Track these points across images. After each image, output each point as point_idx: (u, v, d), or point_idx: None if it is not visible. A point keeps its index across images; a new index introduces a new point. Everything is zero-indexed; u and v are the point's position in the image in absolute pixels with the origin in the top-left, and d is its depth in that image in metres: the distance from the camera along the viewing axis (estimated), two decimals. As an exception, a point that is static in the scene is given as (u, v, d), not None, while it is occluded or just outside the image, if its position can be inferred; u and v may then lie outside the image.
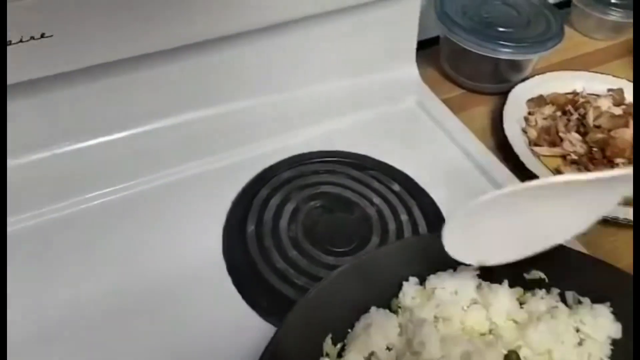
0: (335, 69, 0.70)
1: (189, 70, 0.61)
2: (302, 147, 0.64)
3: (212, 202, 0.58)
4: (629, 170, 0.36)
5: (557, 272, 0.45)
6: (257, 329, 0.49)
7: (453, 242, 0.41)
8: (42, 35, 0.49)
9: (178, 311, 0.51)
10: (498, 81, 0.76)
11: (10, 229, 0.54)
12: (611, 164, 0.65)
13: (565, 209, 0.40)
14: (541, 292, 0.45)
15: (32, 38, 0.49)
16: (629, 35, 0.88)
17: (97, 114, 0.59)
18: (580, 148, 0.67)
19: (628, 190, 0.37)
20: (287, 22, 0.62)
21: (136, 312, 0.50)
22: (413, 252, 0.45)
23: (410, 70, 0.73)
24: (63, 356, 0.47)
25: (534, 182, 0.39)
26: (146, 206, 0.58)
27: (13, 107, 0.53)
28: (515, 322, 0.43)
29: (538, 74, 0.76)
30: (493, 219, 0.40)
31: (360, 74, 0.71)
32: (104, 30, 0.51)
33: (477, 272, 0.45)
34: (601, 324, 0.42)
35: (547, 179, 0.39)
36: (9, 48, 0.47)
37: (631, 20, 0.86)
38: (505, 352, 0.41)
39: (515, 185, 0.40)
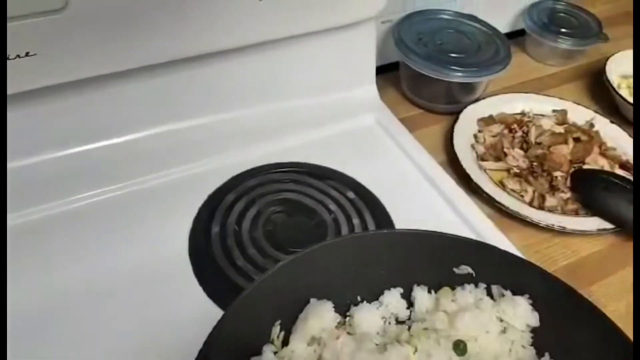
0: (299, 88, 0.76)
1: (163, 86, 0.67)
2: (266, 158, 0.69)
3: (180, 207, 0.63)
4: None
5: (483, 268, 0.50)
6: (217, 319, 0.54)
7: None
8: (27, 54, 0.55)
9: (146, 301, 0.55)
10: (451, 102, 0.82)
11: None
12: (550, 177, 0.71)
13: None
14: (469, 287, 0.49)
15: (18, 56, 0.54)
16: (580, 60, 0.96)
17: (78, 124, 0.65)
18: (523, 162, 0.73)
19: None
20: (256, 44, 0.68)
21: (107, 303, 0.55)
22: (351, 248, 0.49)
23: (369, 90, 0.79)
24: (39, 338, 0.52)
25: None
26: (118, 210, 0.62)
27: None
28: (446, 312, 0.48)
29: (490, 96, 0.83)
30: None
31: (323, 93, 0.77)
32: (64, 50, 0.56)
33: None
34: (520, 314, 0.47)
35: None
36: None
37: (580, 48, 0.93)
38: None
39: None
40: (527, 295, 0.48)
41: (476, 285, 0.50)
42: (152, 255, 0.59)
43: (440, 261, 0.50)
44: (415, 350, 0.46)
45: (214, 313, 0.55)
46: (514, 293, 0.49)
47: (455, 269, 0.50)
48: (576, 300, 0.46)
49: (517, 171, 0.73)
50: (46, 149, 0.64)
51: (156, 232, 0.61)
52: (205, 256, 0.59)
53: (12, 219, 0.59)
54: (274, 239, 0.61)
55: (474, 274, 0.50)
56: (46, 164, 0.64)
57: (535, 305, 0.48)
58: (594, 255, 0.67)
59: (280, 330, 0.46)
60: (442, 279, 0.50)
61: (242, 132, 0.71)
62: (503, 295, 0.49)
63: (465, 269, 0.50)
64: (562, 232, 0.67)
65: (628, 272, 0.66)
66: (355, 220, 0.64)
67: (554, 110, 0.81)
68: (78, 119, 0.65)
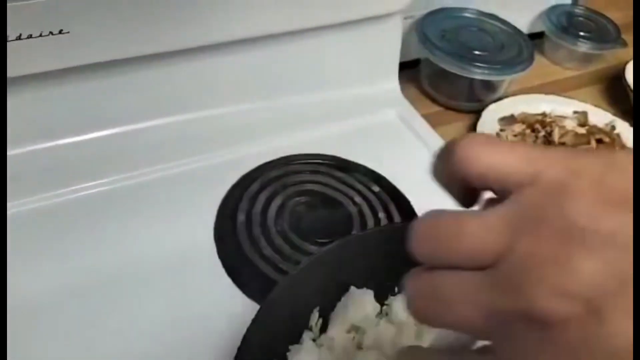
0: (322, 80, 0.75)
1: (189, 75, 0.66)
2: (291, 149, 0.68)
3: (205, 195, 0.62)
4: None
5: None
6: (245, 309, 0.52)
7: None
8: (60, 32, 0.54)
9: (171, 292, 0.54)
10: (473, 100, 0.82)
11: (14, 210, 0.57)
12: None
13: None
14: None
15: (35, 35, 0.53)
16: (597, 65, 0.96)
17: (100, 108, 0.64)
18: (546, 162, 0.73)
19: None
20: (280, 34, 0.68)
21: (132, 293, 0.53)
22: (392, 238, 0.49)
23: (392, 84, 0.79)
24: (65, 328, 0.50)
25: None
26: (144, 196, 0.61)
27: None
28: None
29: (510, 96, 0.83)
30: None
31: (346, 86, 0.76)
32: (96, 30, 0.55)
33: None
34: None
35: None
36: None
37: (598, 52, 0.93)
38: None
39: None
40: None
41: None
42: (177, 243, 0.57)
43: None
44: None
45: (241, 301, 0.54)
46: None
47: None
48: None
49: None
50: (59, 135, 0.63)
51: (181, 219, 0.59)
52: (232, 244, 0.58)
53: (23, 205, 0.58)
54: (299, 230, 0.60)
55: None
56: (58, 150, 0.63)
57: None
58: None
59: (319, 317, 0.46)
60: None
61: (266, 123, 0.70)
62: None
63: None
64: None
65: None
66: (381, 214, 0.63)
67: (574, 112, 0.81)
68: (99, 104, 0.64)
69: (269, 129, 0.70)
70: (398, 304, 0.47)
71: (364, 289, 0.47)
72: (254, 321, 0.41)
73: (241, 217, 0.60)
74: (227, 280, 0.55)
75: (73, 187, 0.60)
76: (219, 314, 0.52)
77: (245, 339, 0.39)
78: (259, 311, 0.42)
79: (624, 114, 0.85)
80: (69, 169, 0.62)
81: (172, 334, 0.51)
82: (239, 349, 0.39)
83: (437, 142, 0.74)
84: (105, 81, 0.62)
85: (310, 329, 0.45)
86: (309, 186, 0.65)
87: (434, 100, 0.84)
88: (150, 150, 0.65)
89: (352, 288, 0.47)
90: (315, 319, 0.45)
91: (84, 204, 0.60)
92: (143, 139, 0.65)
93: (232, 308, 0.53)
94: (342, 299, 0.47)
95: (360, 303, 0.46)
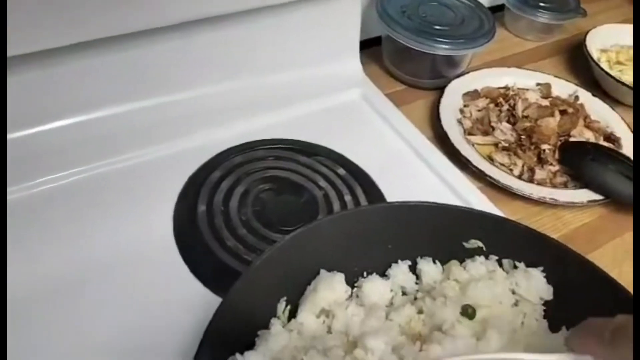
0: (282, 61, 0.72)
1: (141, 59, 0.62)
2: (252, 135, 0.66)
3: (164, 186, 0.59)
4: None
5: (493, 241, 0.48)
6: (207, 302, 0.50)
7: None
8: None
9: (130, 284, 0.51)
10: (436, 77, 0.80)
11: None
12: (538, 150, 0.70)
13: None
14: (480, 259, 0.48)
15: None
16: (558, 36, 0.96)
17: (48, 99, 0.59)
18: (511, 136, 0.72)
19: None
20: (234, 14, 0.64)
21: (91, 287, 0.50)
22: (359, 221, 0.47)
23: (354, 64, 0.76)
24: (18, 324, 0.47)
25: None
26: (99, 190, 0.58)
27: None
28: (457, 281, 0.46)
29: (473, 71, 0.81)
30: None
31: (306, 66, 0.73)
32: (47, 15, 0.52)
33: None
34: (534, 286, 0.46)
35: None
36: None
37: (558, 23, 0.93)
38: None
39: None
40: (541, 268, 0.47)
41: (487, 258, 0.48)
42: (135, 237, 0.54)
43: (450, 234, 0.48)
44: (420, 312, 0.45)
45: (203, 294, 0.52)
46: (527, 265, 0.47)
47: (464, 243, 0.48)
48: (590, 270, 0.45)
49: (506, 145, 0.71)
50: (17, 127, 0.59)
51: (138, 212, 0.57)
52: (192, 237, 0.55)
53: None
54: (264, 218, 0.58)
55: (484, 248, 0.48)
56: (16, 143, 0.58)
57: (548, 278, 0.46)
58: (584, 227, 0.67)
59: (286, 306, 0.44)
60: (450, 253, 0.48)
61: (225, 109, 0.67)
62: (516, 267, 0.47)
63: (475, 243, 0.48)
64: (553, 204, 0.66)
65: (618, 243, 0.65)
66: (347, 197, 0.61)
67: (537, 84, 0.80)
68: (51, 94, 0.59)
69: (228, 114, 0.67)
70: (368, 286, 0.46)
71: (334, 272, 0.45)
72: (219, 308, 0.39)
73: (201, 207, 0.58)
74: (189, 274, 0.52)
75: (28, 183, 0.57)
76: (181, 307, 0.50)
77: (210, 325, 0.37)
78: (225, 297, 0.40)
79: (587, 84, 0.84)
80: (21, 164, 0.57)
81: (134, 326, 0.48)
82: (201, 343, 0.37)
83: (401, 121, 0.72)
84: (49, 71, 0.58)
85: (278, 318, 0.43)
86: (273, 172, 0.62)
87: (396, 79, 0.82)
88: (102, 142, 0.61)
89: (322, 271, 0.45)
90: (282, 308, 0.43)
91: (38, 200, 0.56)
92: (93, 130, 0.61)
93: (194, 301, 0.50)
94: (312, 282, 0.45)
95: (330, 286, 0.44)
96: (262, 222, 0.57)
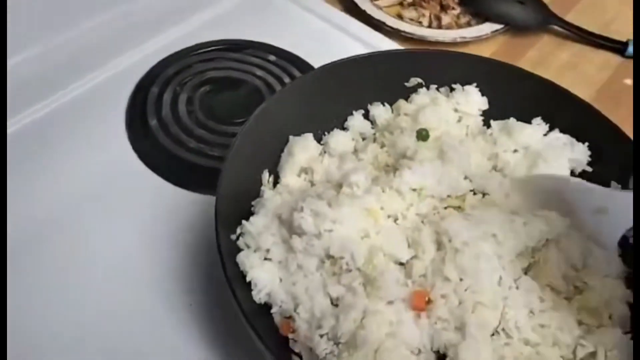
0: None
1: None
2: (177, 44, 0.67)
3: (108, 112, 0.60)
4: None
5: (429, 74, 0.53)
6: (194, 203, 0.54)
7: None
8: None
9: (113, 210, 0.53)
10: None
11: None
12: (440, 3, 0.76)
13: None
14: (422, 90, 0.53)
15: None
16: None
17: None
18: (412, -8, 0.77)
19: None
20: None
21: (67, 224, 0.52)
22: (309, 85, 0.51)
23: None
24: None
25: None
26: (47, 132, 0.58)
27: None
28: (407, 114, 0.52)
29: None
30: None
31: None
32: None
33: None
34: (472, 100, 0.52)
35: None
36: None
37: None
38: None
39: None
40: (475, 84, 0.53)
41: (427, 89, 0.54)
42: (98, 166, 0.56)
43: (391, 79, 0.53)
44: (383, 146, 0.50)
45: (188, 199, 0.54)
46: (462, 85, 0.53)
47: (405, 84, 0.54)
48: (509, 70, 0.52)
49: (410, 0, 0.76)
50: None
51: (93, 143, 0.57)
52: (155, 150, 0.57)
53: None
54: (215, 116, 0.60)
55: (423, 83, 0.54)
56: None
57: (482, 91, 0.53)
58: (493, 55, 0.74)
59: (270, 175, 0.48)
60: (395, 95, 0.54)
61: (145, 23, 0.67)
62: (453, 89, 0.53)
63: (415, 80, 0.54)
64: (463, 42, 0.73)
65: (521, 63, 0.73)
66: (287, 79, 0.64)
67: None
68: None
69: (150, 28, 0.67)
70: (334, 140, 0.51)
71: (303, 135, 0.49)
72: (218, 191, 0.42)
73: (152, 122, 0.59)
74: (167, 184, 0.55)
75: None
76: (169, 218, 0.53)
77: (217, 204, 0.41)
78: (220, 178, 0.43)
79: None
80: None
81: (131, 245, 0.51)
82: (216, 225, 0.40)
83: (314, 2, 0.74)
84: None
85: (265, 185, 0.48)
86: (209, 74, 0.64)
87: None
88: (37, 83, 0.60)
89: (291, 137, 0.49)
90: (266, 177, 0.48)
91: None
92: (26, 72, 0.60)
93: (181, 208, 0.53)
94: (285, 149, 0.49)
95: (304, 146, 0.48)
96: (215, 120, 0.60)
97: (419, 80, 0.54)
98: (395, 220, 0.44)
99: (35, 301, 0.47)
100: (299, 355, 0.40)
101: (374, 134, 0.53)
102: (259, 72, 0.65)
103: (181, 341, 0.46)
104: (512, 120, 0.51)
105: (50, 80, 0.60)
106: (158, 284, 0.48)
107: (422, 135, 0.50)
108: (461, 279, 0.39)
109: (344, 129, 0.53)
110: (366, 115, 0.53)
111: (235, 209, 0.44)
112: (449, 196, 0.46)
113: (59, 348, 0.45)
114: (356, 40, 0.70)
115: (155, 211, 0.53)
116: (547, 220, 0.43)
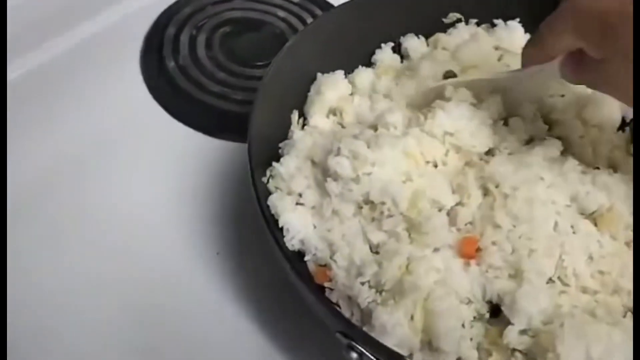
0: None
1: None
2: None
3: (123, 53, 0.56)
4: None
5: (469, 8, 0.50)
6: (216, 149, 0.51)
7: None
8: None
9: (134, 154, 0.50)
10: None
11: None
12: None
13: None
14: (461, 25, 0.49)
15: None
16: None
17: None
18: None
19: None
20: None
21: (88, 165, 0.49)
22: (334, 21, 0.47)
23: None
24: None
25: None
26: (58, 74, 0.54)
27: None
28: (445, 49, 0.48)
29: None
30: None
31: None
32: None
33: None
34: (515, 37, 0.48)
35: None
36: None
37: None
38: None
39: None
40: (518, 19, 0.49)
41: (466, 24, 0.50)
42: (115, 110, 0.52)
43: (428, 14, 0.49)
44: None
45: (210, 142, 0.51)
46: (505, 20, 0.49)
47: (443, 19, 0.50)
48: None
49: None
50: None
51: (108, 85, 0.54)
52: (175, 95, 0.54)
53: None
54: (236, 59, 0.57)
55: (462, 18, 0.50)
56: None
57: (525, 27, 0.49)
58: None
59: (299, 117, 0.45)
60: (431, 30, 0.50)
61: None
62: (494, 25, 0.49)
63: (454, 16, 0.50)
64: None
65: None
66: (310, 20, 0.60)
67: None
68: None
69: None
70: (360, 77, 0.47)
71: (332, 72, 0.46)
72: (249, 136, 0.39)
73: (170, 64, 0.55)
74: (189, 130, 0.52)
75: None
76: (193, 165, 0.50)
77: (249, 149, 0.38)
78: (250, 121, 0.39)
79: None
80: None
81: (145, 200, 0.48)
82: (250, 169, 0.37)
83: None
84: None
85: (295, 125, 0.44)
86: (228, 14, 0.60)
87: None
88: (50, 21, 0.56)
89: (319, 75, 0.46)
90: (296, 118, 0.44)
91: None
92: (38, 11, 0.56)
93: (205, 153, 0.50)
94: (312, 88, 0.45)
95: (333, 85, 0.45)
96: (237, 62, 0.56)
97: (458, 15, 0.50)
98: (435, 166, 0.41)
99: (49, 253, 0.44)
100: (336, 304, 0.37)
101: (405, 69, 0.49)
102: (281, 13, 0.61)
103: (207, 291, 0.43)
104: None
105: (62, 19, 0.57)
106: (181, 233, 0.46)
107: (450, 77, 0.46)
108: (514, 226, 0.36)
109: (371, 64, 0.49)
110: (395, 50, 0.49)
111: (266, 153, 0.41)
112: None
113: (75, 304, 0.42)
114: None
115: (175, 158, 0.50)
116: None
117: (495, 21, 0.49)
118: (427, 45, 0.50)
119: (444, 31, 0.49)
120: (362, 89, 0.47)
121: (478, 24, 0.50)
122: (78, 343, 0.40)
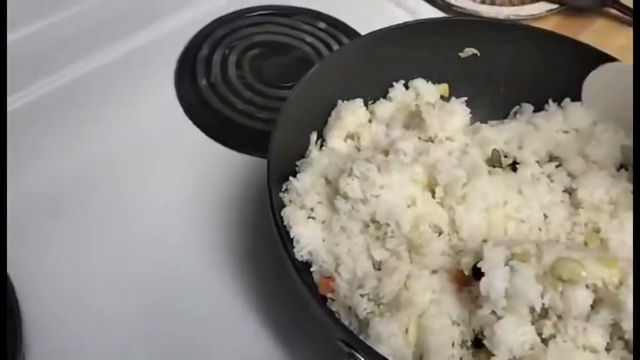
0: None
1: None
2: (227, 7, 0.67)
3: (157, 71, 0.61)
4: None
5: (485, 45, 0.52)
6: (239, 163, 0.54)
7: None
8: None
9: (160, 166, 0.54)
10: None
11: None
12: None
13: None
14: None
15: None
16: None
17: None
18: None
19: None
20: None
21: (116, 173, 0.53)
22: (359, 51, 0.50)
23: None
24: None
25: None
26: (96, 87, 0.59)
27: None
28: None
29: None
30: None
31: None
32: None
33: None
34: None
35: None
36: None
37: None
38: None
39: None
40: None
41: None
42: (148, 122, 0.56)
43: (443, 48, 0.52)
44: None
45: (241, 160, 0.55)
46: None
47: (459, 54, 0.53)
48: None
49: (464, -25, 0.75)
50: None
51: (143, 100, 0.58)
52: (205, 110, 0.58)
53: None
54: (264, 80, 0.61)
55: (478, 54, 0.53)
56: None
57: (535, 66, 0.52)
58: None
59: (318, 138, 0.48)
60: (448, 65, 0.53)
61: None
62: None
63: (470, 51, 0.53)
64: (516, 19, 0.71)
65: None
66: (336, 47, 0.64)
67: None
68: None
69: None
70: (381, 108, 0.50)
71: (352, 100, 0.49)
72: (270, 151, 0.42)
73: (202, 82, 0.60)
74: (216, 145, 0.55)
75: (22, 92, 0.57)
76: (217, 174, 0.53)
77: (268, 162, 0.41)
78: (271, 139, 0.42)
79: None
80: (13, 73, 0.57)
81: (171, 209, 0.51)
82: (268, 177, 0.41)
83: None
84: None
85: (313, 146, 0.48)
86: (258, 38, 0.64)
87: None
88: (87, 37, 0.61)
89: (339, 101, 0.49)
90: (314, 139, 0.48)
91: (37, 107, 0.57)
92: (75, 27, 0.61)
93: (230, 167, 0.54)
94: (332, 112, 0.49)
95: (353, 111, 0.48)
96: (264, 83, 0.60)
97: (474, 50, 0.53)
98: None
99: (81, 253, 0.48)
100: (337, 313, 0.40)
101: (416, 105, 0.52)
102: (309, 39, 0.65)
103: (221, 295, 0.46)
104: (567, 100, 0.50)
105: (101, 36, 0.61)
106: (203, 240, 0.49)
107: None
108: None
109: (387, 97, 0.52)
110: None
111: (284, 169, 0.44)
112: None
113: (95, 304, 0.45)
114: (406, 11, 0.69)
115: (200, 168, 0.54)
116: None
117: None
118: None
119: (460, 66, 0.53)
120: (381, 118, 0.50)
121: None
122: (95, 340, 0.44)
